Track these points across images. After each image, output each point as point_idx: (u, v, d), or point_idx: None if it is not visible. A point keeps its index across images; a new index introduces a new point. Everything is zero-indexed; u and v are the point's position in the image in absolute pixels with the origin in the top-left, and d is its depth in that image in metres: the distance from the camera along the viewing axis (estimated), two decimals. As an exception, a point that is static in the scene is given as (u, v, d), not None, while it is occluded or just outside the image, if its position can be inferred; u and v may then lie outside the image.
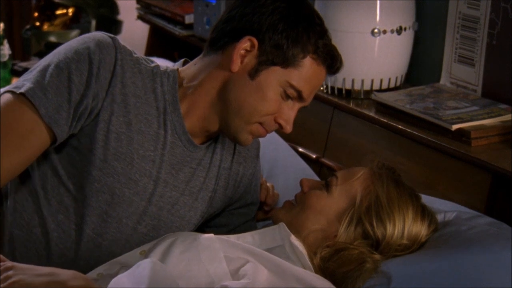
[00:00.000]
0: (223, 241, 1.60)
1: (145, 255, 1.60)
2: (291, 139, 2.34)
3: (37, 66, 1.64)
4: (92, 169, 1.64)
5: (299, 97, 1.67)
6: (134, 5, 3.38)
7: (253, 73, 1.65)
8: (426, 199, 1.78)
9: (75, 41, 1.66)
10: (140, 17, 3.34)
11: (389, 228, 1.65)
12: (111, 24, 3.38)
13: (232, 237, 1.66)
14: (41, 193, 1.66)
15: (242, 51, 1.65)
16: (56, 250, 1.66)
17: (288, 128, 1.69)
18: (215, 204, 1.81)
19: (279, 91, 1.65)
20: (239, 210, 1.89)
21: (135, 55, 1.70)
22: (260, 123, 1.68)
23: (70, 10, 3.38)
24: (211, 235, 1.61)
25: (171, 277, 1.49)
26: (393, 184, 1.70)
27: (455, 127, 2.02)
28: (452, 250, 1.63)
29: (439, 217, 1.77)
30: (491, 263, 1.58)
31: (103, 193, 1.65)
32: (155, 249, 1.58)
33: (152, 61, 1.73)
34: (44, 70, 1.61)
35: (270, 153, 2.20)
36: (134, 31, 3.47)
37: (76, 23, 3.37)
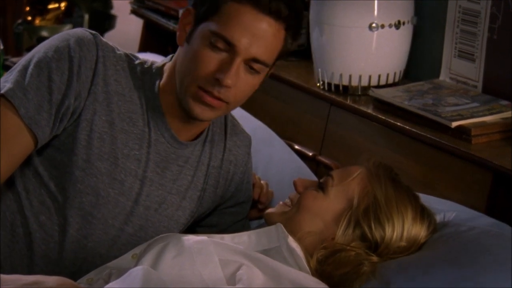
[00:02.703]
0: (217, 244, 1.58)
1: (137, 259, 1.59)
2: (287, 136, 2.34)
3: (17, 65, 1.62)
4: (74, 169, 1.62)
5: (229, 45, 1.58)
6: (127, -1, 3.37)
7: (188, 37, 1.62)
8: (425, 199, 1.76)
9: (55, 39, 1.63)
10: (133, 12, 3.34)
11: (388, 231, 1.63)
12: (104, 18, 3.37)
13: (227, 238, 1.64)
14: (23, 194, 1.64)
15: (187, 26, 1.62)
16: (39, 251, 1.64)
17: (225, 79, 1.58)
18: (205, 203, 1.79)
19: (206, 44, 1.59)
20: (231, 209, 1.87)
21: (119, 52, 1.68)
22: (200, 87, 1.61)
23: (63, 4, 3.37)
24: (205, 237, 1.59)
25: (163, 284, 1.47)
26: (391, 184, 1.68)
27: (455, 124, 2.01)
28: (452, 251, 1.61)
29: (439, 217, 1.75)
30: (491, 265, 1.56)
31: (87, 194, 1.63)
32: (147, 254, 1.57)
33: (137, 57, 1.71)
34: (24, 69, 1.60)
35: (265, 150, 2.20)
36: (127, 26, 3.47)
37: (69, 17, 3.37)
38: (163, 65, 1.71)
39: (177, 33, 1.64)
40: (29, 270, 1.64)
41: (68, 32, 1.64)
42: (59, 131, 1.62)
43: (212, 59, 1.59)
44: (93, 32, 1.65)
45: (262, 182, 1.97)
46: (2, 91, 1.57)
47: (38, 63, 1.59)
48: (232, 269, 1.54)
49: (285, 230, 1.65)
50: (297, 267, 1.61)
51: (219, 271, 1.53)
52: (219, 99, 1.61)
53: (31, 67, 1.59)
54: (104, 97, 1.63)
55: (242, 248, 1.60)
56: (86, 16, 3.30)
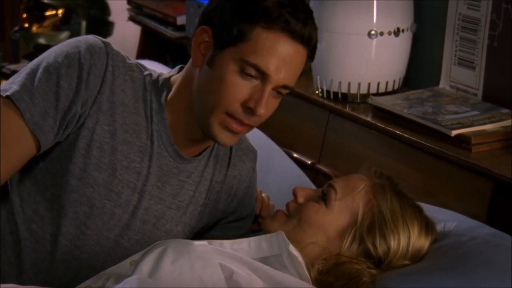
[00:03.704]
0: (217, 251, 1.57)
1: (136, 264, 1.57)
2: (286, 144, 2.33)
3: (25, 68, 1.60)
4: (70, 178, 1.60)
5: (261, 73, 1.56)
6: (125, 6, 3.40)
7: (210, 60, 1.59)
8: (425, 208, 1.74)
9: (66, 44, 1.61)
10: (131, 19, 3.36)
11: (393, 246, 1.62)
12: (102, 25, 3.37)
13: (226, 244, 1.63)
14: (17, 201, 1.62)
15: (202, 45, 1.59)
16: (28, 260, 1.62)
17: (259, 110, 1.56)
18: (205, 218, 1.77)
19: (236, 71, 1.56)
20: (234, 224, 1.84)
21: (129, 62, 1.66)
22: (229, 114, 1.59)
23: (60, 11, 3.37)
24: (205, 242, 1.58)
25: None
26: (396, 197, 1.66)
27: (455, 132, 2.00)
28: (452, 262, 1.60)
29: (439, 227, 1.74)
30: (492, 276, 1.56)
31: (81, 204, 1.61)
32: (146, 258, 1.55)
33: (146, 69, 1.69)
34: (33, 73, 1.58)
35: (262, 159, 2.17)
36: (125, 33, 3.48)
37: (66, 24, 3.37)
38: (170, 77, 1.68)
39: (192, 53, 1.60)
40: (18, 279, 1.61)
41: (80, 38, 1.62)
42: (63, 138, 1.60)
43: (244, 88, 1.57)
44: (105, 40, 1.62)
45: (263, 195, 1.94)
46: (9, 93, 1.55)
47: (47, 68, 1.57)
48: (228, 274, 1.52)
49: (286, 238, 1.63)
50: (297, 275, 1.59)
51: (219, 272, 1.51)
52: (246, 125, 1.61)
53: (39, 71, 1.57)
54: (109, 107, 1.61)
55: (242, 256, 1.58)
56: (84, 23, 3.30)
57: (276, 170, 2.18)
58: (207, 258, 1.54)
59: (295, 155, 2.33)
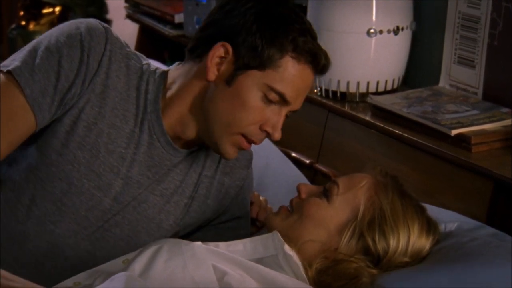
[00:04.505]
0: (211, 251, 1.57)
1: (129, 263, 1.57)
2: (284, 144, 2.32)
3: (27, 46, 1.62)
4: (51, 152, 1.62)
5: (283, 100, 1.62)
6: (123, 4, 3.40)
7: (230, 79, 1.61)
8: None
9: (67, 25, 1.63)
10: (129, 16, 3.35)
11: (392, 244, 1.62)
12: None
13: (222, 245, 1.63)
14: (3, 169, 1.64)
15: (217, 59, 1.61)
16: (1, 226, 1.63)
17: (276, 136, 1.64)
18: (194, 212, 1.76)
19: (260, 96, 1.60)
20: (228, 224, 1.83)
21: (128, 49, 1.68)
22: (244, 135, 1.63)
23: (57, 9, 3.37)
24: (199, 243, 1.58)
25: None
26: (398, 195, 1.66)
27: (454, 132, 2.00)
28: (453, 263, 1.59)
29: (440, 228, 1.73)
30: (492, 277, 1.55)
31: (59, 180, 1.62)
32: (139, 257, 1.56)
33: (145, 59, 1.71)
34: (34, 51, 1.59)
35: (260, 160, 2.19)
36: (123, 31, 3.46)
37: (63, 22, 3.34)
38: (167, 71, 1.70)
39: (208, 67, 1.61)
40: None
41: (81, 20, 1.63)
42: (57, 116, 1.62)
43: (264, 112, 1.61)
44: (106, 25, 1.64)
45: (261, 198, 1.94)
46: (10, 68, 1.56)
47: (48, 46, 1.58)
48: (221, 275, 1.53)
49: (281, 238, 1.63)
50: (293, 275, 1.59)
51: (211, 273, 1.51)
52: (255, 143, 1.66)
53: (41, 49, 1.58)
54: (102, 90, 1.62)
55: (236, 257, 1.58)
56: (81, 21, 3.29)
57: (274, 172, 2.18)
58: (200, 258, 1.54)
59: (293, 154, 2.33)
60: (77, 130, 1.61)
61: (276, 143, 2.29)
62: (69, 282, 1.58)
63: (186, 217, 1.75)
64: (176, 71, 1.69)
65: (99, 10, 3.40)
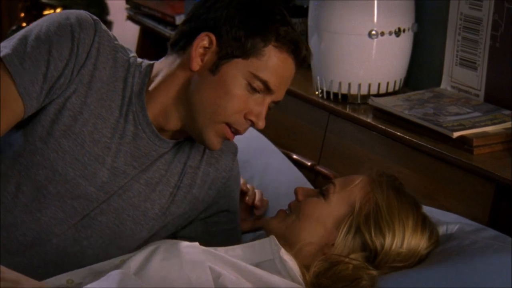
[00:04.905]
0: (208, 253, 1.58)
1: (125, 262, 1.58)
2: (285, 146, 2.33)
3: (17, 34, 1.64)
4: (36, 140, 1.63)
5: (267, 89, 1.66)
6: (124, 5, 3.41)
7: (214, 68, 1.65)
8: (426, 210, 1.75)
9: (57, 15, 1.66)
10: (129, 18, 3.35)
11: (388, 238, 1.63)
12: None
13: (220, 250, 1.63)
14: None
15: (201, 49, 1.65)
16: None
17: (260, 124, 1.68)
18: (179, 202, 1.78)
19: (244, 84, 1.65)
20: (216, 218, 1.85)
21: (116, 42, 1.70)
22: (228, 124, 1.67)
23: (58, 10, 3.34)
24: (196, 243, 1.59)
25: None
26: (393, 192, 1.68)
27: (456, 134, 1.99)
28: (454, 266, 1.60)
29: (442, 229, 1.74)
30: (494, 279, 1.56)
31: (44, 168, 1.64)
32: (135, 256, 1.57)
33: (131, 52, 1.74)
34: (25, 39, 1.61)
35: (260, 160, 2.20)
36: (124, 32, 3.46)
37: (64, 23, 3.33)
38: (153, 64, 1.73)
39: (192, 57, 1.65)
40: None
41: (71, 11, 1.66)
42: (44, 104, 1.64)
43: (248, 101, 1.66)
44: (96, 18, 1.67)
45: (256, 190, 1.97)
46: (1, 55, 1.58)
47: (39, 35, 1.61)
48: (216, 276, 1.54)
49: (278, 243, 1.64)
50: (290, 280, 1.60)
51: (208, 274, 1.52)
52: (239, 133, 1.70)
53: (31, 38, 1.61)
54: (89, 80, 1.65)
55: (233, 260, 1.59)
56: (82, 22, 3.28)
57: (274, 172, 2.18)
58: (197, 259, 1.55)
59: (294, 156, 2.33)
60: (62, 118, 1.63)
61: (277, 145, 2.30)
62: (62, 279, 1.59)
63: (171, 206, 1.76)
64: (160, 64, 1.73)
65: (100, 12, 3.39)
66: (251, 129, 2.29)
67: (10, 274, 1.46)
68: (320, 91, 2.35)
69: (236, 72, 1.64)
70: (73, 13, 1.65)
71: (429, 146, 2.02)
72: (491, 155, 1.96)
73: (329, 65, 2.30)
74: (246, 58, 1.64)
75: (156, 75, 1.70)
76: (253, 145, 2.02)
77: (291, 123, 2.43)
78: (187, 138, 1.76)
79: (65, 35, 1.61)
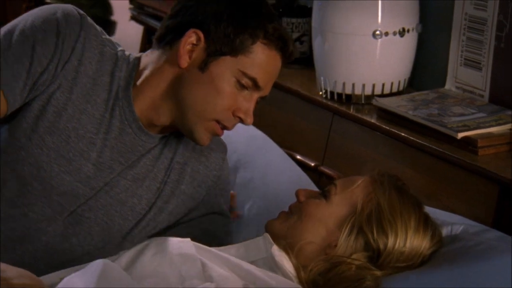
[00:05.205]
0: (199, 247, 1.59)
1: (117, 259, 1.59)
2: (288, 146, 2.33)
3: (3, 28, 1.63)
4: (20, 136, 1.63)
5: (255, 85, 1.66)
6: (127, 5, 3.41)
7: (203, 66, 1.65)
8: (430, 211, 1.74)
9: (43, 9, 1.65)
10: (133, 18, 3.37)
11: (391, 238, 1.63)
12: (105, 25, 3.38)
13: (213, 249, 1.64)
14: None
15: (189, 46, 1.65)
16: None
17: (249, 121, 1.69)
18: (168, 197, 1.77)
19: (233, 81, 1.65)
20: (204, 220, 1.84)
21: (103, 37, 1.70)
22: (217, 121, 1.67)
23: (62, 11, 3.34)
24: (188, 239, 1.61)
25: (124, 277, 1.49)
26: (395, 191, 1.68)
27: (461, 135, 1.99)
28: (458, 267, 1.59)
29: (446, 230, 1.74)
30: (498, 281, 1.55)
31: (28, 164, 1.64)
32: (127, 252, 1.58)
33: (119, 45, 1.74)
34: (9, 34, 1.61)
35: (261, 159, 2.20)
36: (127, 32, 3.49)
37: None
38: (140, 57, 1.73)
39: (180, 54, 1.65)
40: None
41: (58, 5, 1.65)
42: (28, 100, 1.63)
43: (237, 97, 1.66)
44: (82, 13, 1.67)
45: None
46: None
47: (24, 30, 1.60)
48: (205, 269, 1.55)
49: (271, 240, 1.66)
50: (281, 275, 1.61)
51: (198, 266, 1.53)
52: (228, 129, 1.71)
53: (16, 33, 1.60)
54: (74, 76, 1.65)
55: (224, 255, 1.60)
56: (86, 23, 3.28)
57: (276, 170, 2.18)
58: (188, 253, 1.56)
59: (298, 157, 2.32)
60: (46, 114, 1.63)
61: (280, 145, 2.30)
62: (55, 277, 1.59)
63: (158, 201, 1.76)
64: (147, 57, 1.72)
65: (104, 12, 3.39)
66: (253, 128, 2.30)
67: (12, 270, 1.47)
68: (324, 91, 2.35)
69: (225, 70, 1.64)
70: (60, 7, 1.64)
71: (433, 146, 2.02)
72: (496, 156, 1.95)
73: (333, 66, 2.30)
74: (235, 56, 1.64)
75: (144, 69, 1.70)
76: (254, 143, 2.02)
77: (294, 124, 2.43)
78: (174, 133, 1.76)
79: (50, 30, 1.60)
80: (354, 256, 1.61)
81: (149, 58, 1.71)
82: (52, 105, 1.63)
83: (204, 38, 1.64)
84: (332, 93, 2.33)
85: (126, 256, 1.57)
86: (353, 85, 2.29)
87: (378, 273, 1.60)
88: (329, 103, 2.33)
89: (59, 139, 1.64)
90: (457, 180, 1.97)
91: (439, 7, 2.33)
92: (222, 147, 1.85)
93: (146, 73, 1.69)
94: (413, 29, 2.30)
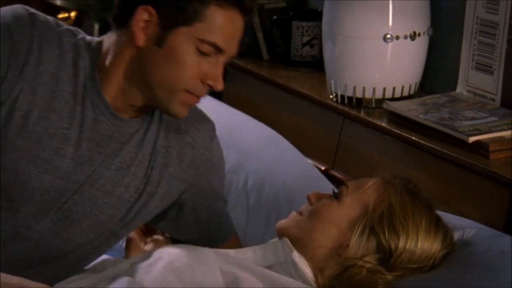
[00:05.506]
0: (218, 254, 1.59)
1: (135, 265, 1.59)
2: (299, 149, 2.32)
3: None
4: None
5: (217, 50, 1.63)
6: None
7: (160, 41, 1.62)
8: (443, 216, 1.73)
9: None
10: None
11: (402, 238, 1.62)
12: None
13: (231, 252, 1.64)
14: None
15: (142, 23, 1.62)
16: None
17: (219, 86, 1.66)
18: (157, 182, 1.76)
19: (193, 50, 1.62)
20: (200, 207, 1.84)
21: (59, 28, 1.68)
22: (187, 91, 1.65)
23: (73, 14, 3.36)
24: (207, 248, 1.60)
25: None
26: (407, 193, 1.68)
27: (472, 139, 1.99)
28: (469, 273, 1.59)
29: (458, 234, 1.73)
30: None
31: (5, 170, 1.63)
32: (145, 260, 1.58)
33: (80, 32, 1.71)
34: None
35: (272, 151, 2.20)
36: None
37: (79, 27, 3.33)
38: (102, 40, 1.70)
39: (135, 33, 1.62)
40: None
41: (6, 8, 1.63)
42: None
43: (201, 65, 1.63)
44: (32, 10, 1.65)
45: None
46: None
47: None
48: (231, 278, 1.54)
49: (290, 245, 1.65)
50: (301, 282, 1.60)
51: (219, 278, 1.53)
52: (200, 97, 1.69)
53: None
54: (34, 77, 1.63)
55: (244, 262, 1.59)
56: (97, 26, 3.29)
57: (285, 164, 2.18)
58: (209, 263, 1.55)
59: (308, 160, 2.31)
60: (14, 120, 1.62)
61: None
62: (72, 285, 1.59)
63: (148, 187, 1.75)
64: (108, 39, 1.70)
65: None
66: (262, 125, 2.30)
67: (12, 278, 1.47)
68: (334, 95, 2.35)
69: (182, 41, 1.61)
70: (8, 10, 1.63)
71: (444, 150, 2.02)
72: (507, 160, 1.95)
73: (344, 69, 2.30)
74: (189, 24, 1.60)
75: (107, 52, 1.68)
76: (266, 141, 2.02)
77: (305, 127, 2.43)
78: (155, 117, 1.75)
79: (2, 36, 1.59)
80: (365, 258, 1.61)
81: (111, 40, 1.68)
82: (17, 109, 1.62)
83: (156, 13, 1.61)
84: (342, 96, 2.33)
85: (143, 265, 1.55)
86: (364, 88, 2.29)
87: (389, 276, 1.60)
88: (340, 106, 2.33)
89: (31, 141, 1.63)
90: (468, 184, 1.97)
91: (451, 11, 2.33)
92: (209, 126, 1.83)
93: (109, 58, 1.67)
94: (424, 33, 2.30)
